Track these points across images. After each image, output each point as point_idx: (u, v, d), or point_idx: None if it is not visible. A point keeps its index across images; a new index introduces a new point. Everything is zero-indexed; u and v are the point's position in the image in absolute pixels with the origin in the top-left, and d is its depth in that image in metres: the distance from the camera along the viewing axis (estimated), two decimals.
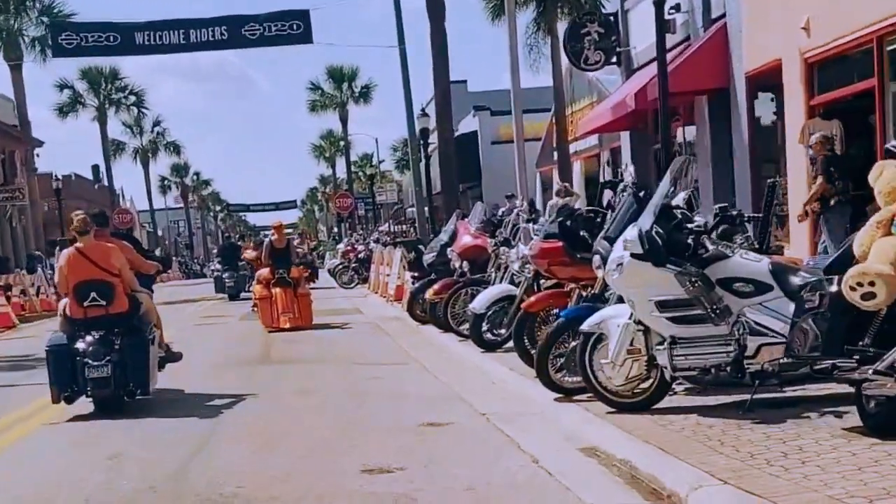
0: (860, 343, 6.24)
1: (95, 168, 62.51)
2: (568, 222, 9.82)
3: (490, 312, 12.01)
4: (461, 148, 35.60)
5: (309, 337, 16.79)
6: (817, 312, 6.47)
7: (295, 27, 30.48)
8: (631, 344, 7.54)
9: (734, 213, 8.01)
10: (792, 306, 7.09)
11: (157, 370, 10.38)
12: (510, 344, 10.92)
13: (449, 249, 14.75)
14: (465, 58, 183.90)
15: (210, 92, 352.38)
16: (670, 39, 17.70)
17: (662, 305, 7.37)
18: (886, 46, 13.08)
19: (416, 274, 18.03)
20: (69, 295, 9.96)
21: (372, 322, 18.62)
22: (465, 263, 14.08)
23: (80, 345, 9.70)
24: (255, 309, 19.43)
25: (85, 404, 9.93)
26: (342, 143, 72.12)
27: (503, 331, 11.88)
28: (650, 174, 19.06)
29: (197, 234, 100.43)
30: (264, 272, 18.73)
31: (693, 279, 7.22)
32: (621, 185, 10.27)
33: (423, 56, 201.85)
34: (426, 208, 31.96)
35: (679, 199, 7.75)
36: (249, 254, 22.50)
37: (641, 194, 8.32)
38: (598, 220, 9.93)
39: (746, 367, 7.29)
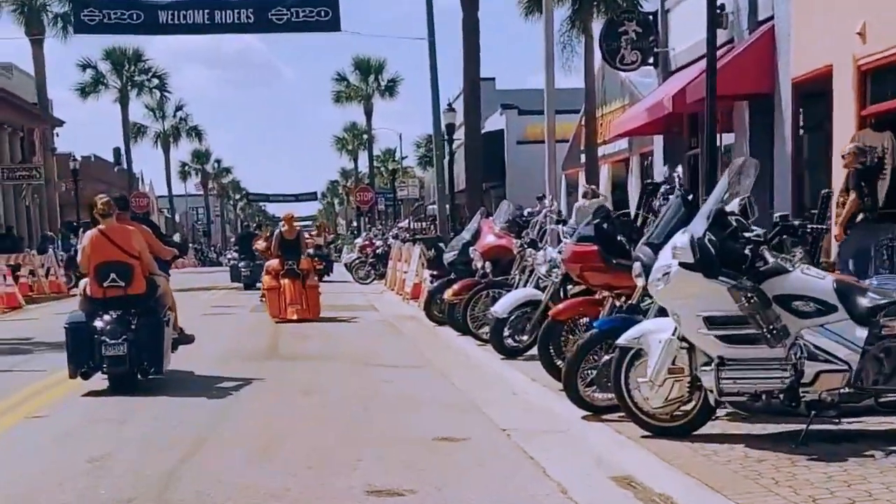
0: None
1: (116, 150, 61.85)
2: (605, 225, 9.03)
3: (513, 317, 11.35)
4: (486, 146, 35.01)
5: (319, 332, 16.18)
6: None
7: (323, 14, 29.87)
8: (673, 363, 6.83)
9: (796, 223, 7.22)
10: (857, 330, 6.46)
11: (170, 351, 10.73)
12: (532, 351, 10.39)
13: (471, 248, 14.10)
14: (493, 57, 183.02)
15: (233, 80, 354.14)
16: None
17: (711, 322, 6.64)
18: None
19: (434, 272, 17.67)
20: (90, 275, 10.29)
21: (386, 320, 18.06)
22: (487, 264, 13.41)
23: (98, 323, 10.05)
24: (263, 299, 19.33)
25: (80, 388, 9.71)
26: (365, 136, 71.60)
27: (525, 337, 11.24)
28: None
29: (216, 221, 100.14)
30: (274, 263, 18.65)
31: (749, 294, 6.47)
32: (663, 188, 9.54)
33: (449, 55, 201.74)
34: (448, 206, 31.54)
35: (734, 206, 6.96)
36: (260, 244, 22.08)
37: (690, 198, 7.57)
38: (638, 224, 9.19)
39: (802, 395, 6.59)
